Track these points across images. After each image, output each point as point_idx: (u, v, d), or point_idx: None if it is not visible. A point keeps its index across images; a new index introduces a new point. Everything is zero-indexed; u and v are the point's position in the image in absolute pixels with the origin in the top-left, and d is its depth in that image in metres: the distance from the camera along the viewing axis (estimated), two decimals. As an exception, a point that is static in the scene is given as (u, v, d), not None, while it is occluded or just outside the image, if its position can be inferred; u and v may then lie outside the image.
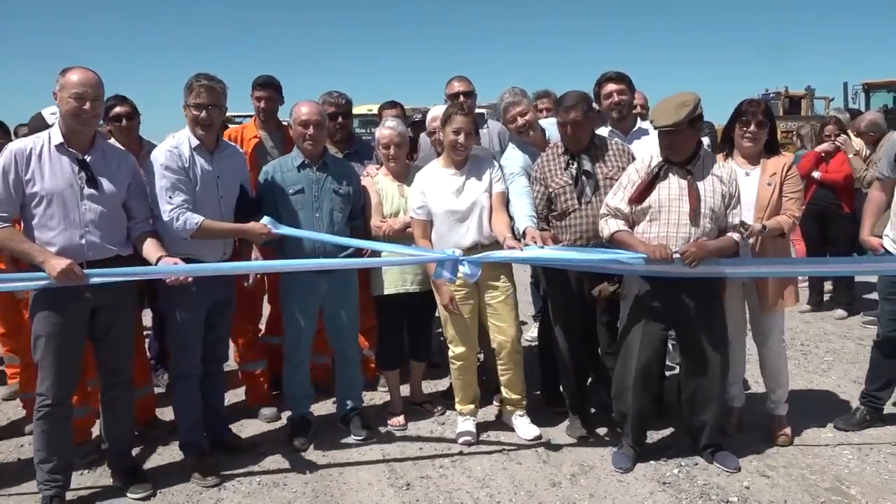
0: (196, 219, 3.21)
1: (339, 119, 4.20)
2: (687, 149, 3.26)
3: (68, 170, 2.97)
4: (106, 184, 3.05)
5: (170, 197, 3.20)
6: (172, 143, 3.32)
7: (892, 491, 3.20)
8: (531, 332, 5.48)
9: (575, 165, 3.56)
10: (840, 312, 6.10)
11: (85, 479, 3.44)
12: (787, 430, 3.69)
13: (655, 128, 3.25)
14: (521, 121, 3.82)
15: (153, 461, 3.64)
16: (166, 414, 3.93)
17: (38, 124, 3.65)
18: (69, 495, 3.22)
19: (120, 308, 3.20)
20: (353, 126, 4.69)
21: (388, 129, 3.88)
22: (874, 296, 6.40)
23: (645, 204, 3.27)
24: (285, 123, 4.51)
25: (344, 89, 4.30)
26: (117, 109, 3.95)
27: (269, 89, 4.32)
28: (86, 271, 2.95)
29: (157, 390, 4.22)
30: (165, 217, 3.20)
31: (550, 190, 3.61)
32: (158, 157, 3.28)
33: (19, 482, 3.40)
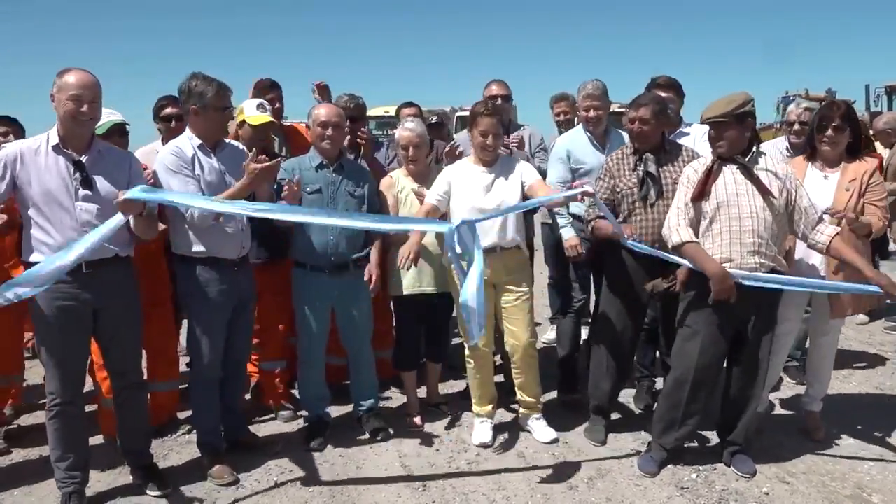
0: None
1: (349, 122, 4.23)
2: (736, 143, 3.23)
3: (63, 170, 2.95)
4: (102, 184, 3.01)
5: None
6: (173, 145, 3.35)
7: (915, 499, 3.16)
8: (547, 335, 5.47)
9: (642, 167, 3.56)
10: (861, 318, 6.00)
11: (105, 477, 3.47)
12: (823, 427, 3.74)
13: (704, 120, 3.24)
14: (592, 113, 4.09)
15: (172, 459, 3.67)
16: (185, 412, 3.97)
17: None
18: (89, 492, 3.25)
19: (124, 309, 3.16)
20: (365, 128, 4.74)
21: (407, 130, 3.88)
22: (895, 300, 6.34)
23: (706, 202, 3.24)
24: (287, 125, 4.57)
25: (359, 90, 4.36)
26: (169, 110, 4.03)
27: (278, 90, 4.43)
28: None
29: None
30: (188, 213, 3.21)
31: (618, 190, 3.60)
32: (162, 161, 3.29)
33: (41, 479, 3.43)
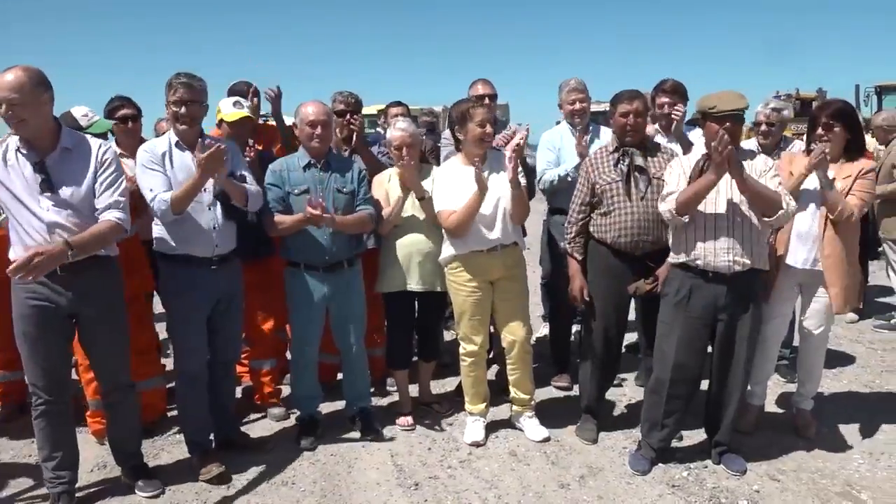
0: (165, 197, 3.18)
1: (348, 117, 4.22)
2: (740, 139, 3.26)
3: (28, 172, 2.89)
4: (66, 184, 2.90)
5: (150, 190, 3.21)
6: (151, 142, 3.36)
7: (904, 496, 3.18)
8: (539, 333, 5.48)
9: (626, 162, 3.56)
10: (851, 316, 6.03)
11: (94, 477, 3.46)
12: (813, 425, 3.77)
13: (718, 113, 3.16)
14: (578, 105, 4.35)
15: (163, 459, 3.66)
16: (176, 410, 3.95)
17: (64, 120, 3.54)
18: (78, 492, 3.23)
19: (105, 312, 3.09)
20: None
21: (399, 130, 3.86)
22: (886, 299, 6.39)
23: None
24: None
25: (350, 90, 4.34)
26: (124, 111, 3.98)
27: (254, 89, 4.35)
28: None
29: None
30: (151, 206, 3.21)
31: (597, 187, 3.61)
32: (138, 158, 3.29)
33: (31, 480, 3.42)
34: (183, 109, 3.26)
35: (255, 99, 4.27)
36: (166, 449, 3.76)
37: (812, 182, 3.46)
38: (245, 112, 3.98)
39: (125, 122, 3.97)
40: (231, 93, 4.25)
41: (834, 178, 3.43)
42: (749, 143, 4.32)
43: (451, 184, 3.66)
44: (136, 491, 3.29)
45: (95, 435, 3.77)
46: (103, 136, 3.69)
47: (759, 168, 3.24)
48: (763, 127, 4.29)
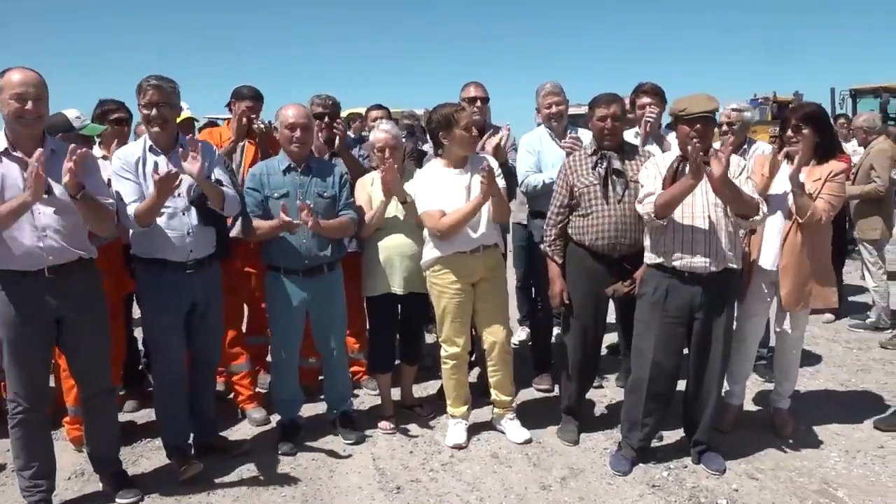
0: (130, 210, 3.18)
1: (327, 120, 4.21)
2: (711, 140, 3.30)
3: (17, 175, 2.85)
4: (57, 185, 2.88)
5: (121, 199, 3.20)
6: (122, 150, 3.35)
7: (879, 493, 3.23)
8: (517, 335, 5.49)
9: (604, 165, 3.58)
10: (828, 316, 6.10)
11: (73, 485, 3.42)
12: (791, 423, 3.81)
13: (688, 115, 3.22)
14: (555, 109, 4.34)
15: (142, 465, 3.62)
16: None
17: (57, 120, 3.53)
18: (56, 500, 3.20)
19: (89, 316, 3.08)
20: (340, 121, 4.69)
21: (382, 132, 3.86)
22: (860, 298, 6.48)
23: None
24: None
25: (331, 93, 4.36)
26: (119, 115, 3.97)
27: (259, 102, 4.23)
28: None
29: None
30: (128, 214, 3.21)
31: (576, 189, 3.63)
32: (112, 165, 3.28)
33: (6, 487, 3.38)
34: (154, 112, 3.23)
35: (255, 115, 4.15)
36: (145, 455, 3.72)
37: (782, 186, 3.50)
38: (187, 114, 4.03)
39: (120, 125, 3.95)
40: (234, 95, 4.19)
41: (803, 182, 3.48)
42: (715, 145, 4.38)
43: (434, 187, 3.66)
44: (116, 498, 3.25)
45: (73, 442, 3.72)
46: (89, 139, 3.67)
47: (731, 169, 3.27)
48: (724, 128, 4.34)
